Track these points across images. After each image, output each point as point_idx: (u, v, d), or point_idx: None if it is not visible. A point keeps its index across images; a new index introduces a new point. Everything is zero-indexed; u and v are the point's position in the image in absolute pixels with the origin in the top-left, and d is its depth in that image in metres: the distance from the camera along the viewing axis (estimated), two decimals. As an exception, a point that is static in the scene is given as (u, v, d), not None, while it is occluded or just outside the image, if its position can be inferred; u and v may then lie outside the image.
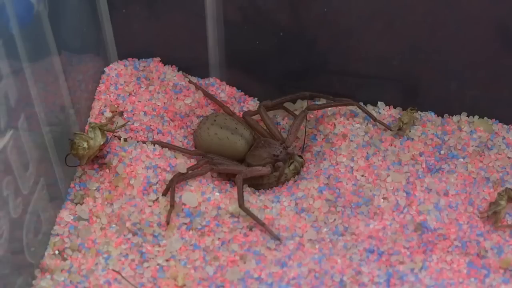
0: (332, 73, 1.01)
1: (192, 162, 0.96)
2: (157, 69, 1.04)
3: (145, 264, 0.87)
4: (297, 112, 1.02)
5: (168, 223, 0.88)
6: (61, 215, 0.91)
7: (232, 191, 0.92)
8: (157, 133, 0.98)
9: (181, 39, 1.03)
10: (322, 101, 1.02)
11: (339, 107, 1.00)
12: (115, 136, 0.96)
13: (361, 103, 1.00)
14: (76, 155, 0.91)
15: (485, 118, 1.00)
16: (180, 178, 0.91)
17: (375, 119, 0.98)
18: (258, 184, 0.96)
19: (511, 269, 0.85)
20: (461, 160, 0.96)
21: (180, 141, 0.99)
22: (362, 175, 0.94)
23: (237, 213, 0.90)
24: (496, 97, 0.98)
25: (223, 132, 0.97)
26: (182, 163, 0.94)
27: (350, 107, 1.00)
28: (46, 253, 0.88)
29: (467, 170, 0.95)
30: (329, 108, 1.01)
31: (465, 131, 0.99)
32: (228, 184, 0.94)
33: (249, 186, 0.95)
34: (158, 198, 0.91)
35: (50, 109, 0.89)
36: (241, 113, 1.03)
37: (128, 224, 0.89)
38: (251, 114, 1.01)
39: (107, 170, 0.94)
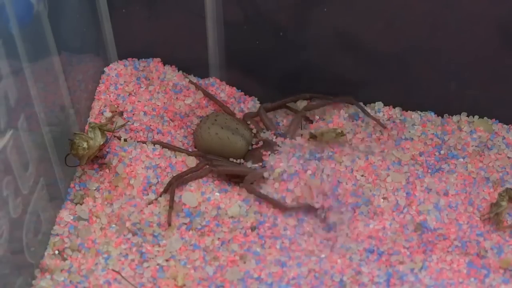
0: (332, 73, 1.01)
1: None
2: (157, 69, 1.04)
3: (145, 264, 0.87)
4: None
5: (169, 224, 0.89)
6: (61, 215, 0.91)
7: (232, 191, 0.92)
8: (157, 133, 0.98)
9: (181, 39, 1.03)
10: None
11: (339, 108, 1.00)
12: (115, 136, 0.96)
13: (361, 103, 1.01)
14: (76, 155, 0.91)
15: (485, 118, 1.00)
16: (179, 181, 0.91)
17: (369, 115, 0.98)
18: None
19: (511, 269, 0.85)
20: (461, 160, 0.96)
21: (180, 141, 0.99)
22: (362, 175, 0.94)
23: (237, 216, 0.90)
24: (496, 97, 0.98)
25: (224, 132, 0.97)
26: (193, 159, 0.95)
27: (350, 111, 1.00)
28: (46, 253, 0.88)
29: (467, 170, 0.95)
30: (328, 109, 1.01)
31: (465, 131, 0.99)
32: (228, 184, 0.94)
33: None
34: (157, 198, 0.91)
35: (50, 109, 0.89)
36: (241, 113, 1.03)
37: (128, 224, 0.89)
38: (251, 116, 1.01)
39: (107, 170, 0.94)
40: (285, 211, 0.89)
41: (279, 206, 0.89)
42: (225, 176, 0.96)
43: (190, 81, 1.04)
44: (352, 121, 0.99)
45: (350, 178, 0.94)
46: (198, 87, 1.04)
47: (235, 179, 0.95)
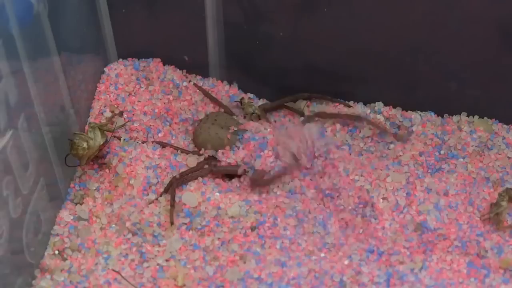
0: (332, 73, 1.01)
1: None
2: (157, 69, 1.04)
3: (145, 264, 0.87)
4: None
5: (172, 223, 0.89)
6: (61, 215, 0.91)
7: (232, 191, 0.92)
8: (157, 133, 0.99)
9: (181, 39, 1.03)
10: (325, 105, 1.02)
11: (340, 107, 1.01)
12: (115, 136, 0.96)
13: (361, 103, 1.01)
14: (76, 155, 0.91)
15: (485, 118, 1.00)
16: (179, 181, 0.91)
17: (378, 127, 0.98)
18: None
19: (511, 269, 0.85)
20: (461, 160, 0.96)
21: (180, 142, 0.99)
22: (362, 175, 0.94)
23: (237, 216, 0.90)
24: (496, 97, 0.98)
25: (224, 132, 0.96)
26: (193, 159, 0.95)
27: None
28: (46, 253, 0.88)
29: (467, 170, 0.95)
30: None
31: (465, 131, 0.99)
32: (228, 184, 0.94)
33: None
34: (157, 198, 0.91)
35: (50, 109, 0.89)
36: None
37: (128, 224, 0.89)
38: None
39: (107, 170, 0.94)
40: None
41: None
42: (226, 176, 0.96)
43: (193, 83, 1.04)
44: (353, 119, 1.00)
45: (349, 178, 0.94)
46: (198, 87, 1.04)
47: (232, 178, 0.95)
